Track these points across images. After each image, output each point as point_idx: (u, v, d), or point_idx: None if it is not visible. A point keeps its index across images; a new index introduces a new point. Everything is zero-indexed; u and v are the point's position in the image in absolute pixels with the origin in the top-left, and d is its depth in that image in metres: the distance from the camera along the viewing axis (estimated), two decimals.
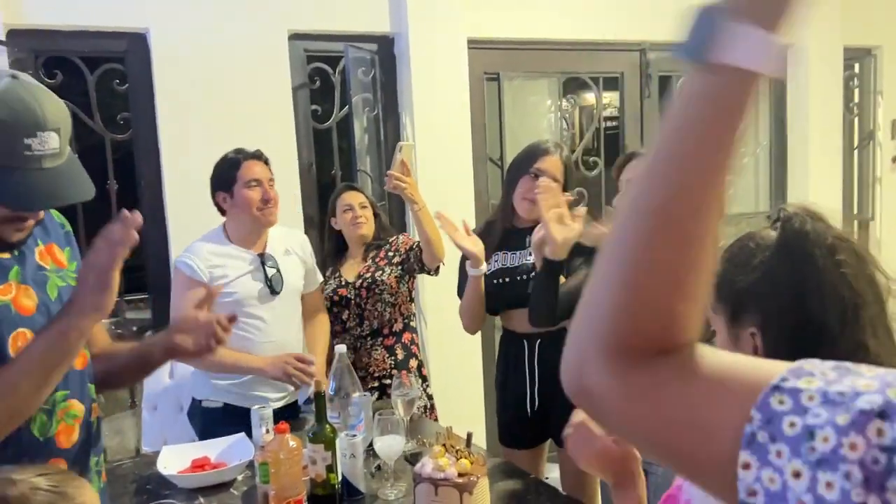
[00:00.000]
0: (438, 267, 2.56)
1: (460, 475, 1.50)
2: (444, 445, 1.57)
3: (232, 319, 1.52)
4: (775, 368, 0.49)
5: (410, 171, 2.39)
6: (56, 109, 1.23)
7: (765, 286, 0.95)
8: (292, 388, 2.34)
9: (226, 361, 2.26)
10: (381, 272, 2.59)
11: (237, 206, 2.32)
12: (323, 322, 2.57)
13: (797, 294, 0.93)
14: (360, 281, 2.59)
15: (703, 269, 0.52)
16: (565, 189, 2.30)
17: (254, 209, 2.30)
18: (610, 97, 3.93)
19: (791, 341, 0.93)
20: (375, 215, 2.71)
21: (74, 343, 1.26)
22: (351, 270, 2.66)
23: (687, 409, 0.50)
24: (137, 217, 1.25)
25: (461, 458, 1.54)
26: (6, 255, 1.31)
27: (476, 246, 2.21)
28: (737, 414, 0.47)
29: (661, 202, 0.50)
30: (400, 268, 2.60)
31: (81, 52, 2.84)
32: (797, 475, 0.44)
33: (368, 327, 2.60)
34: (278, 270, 2.37)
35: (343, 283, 2.63)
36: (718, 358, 0.52)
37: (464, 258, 2.42)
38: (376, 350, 2.59)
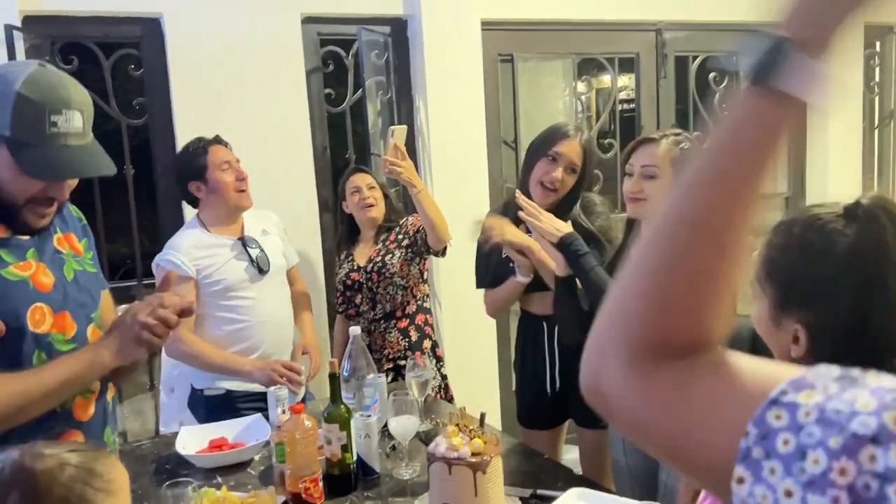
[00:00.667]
0: (445, 248, 2.57)
1: (474, 454, 1.51)
2: (457, 425, 1.57)
3: (186, 313, 1.44)
4: (780, 376, 0.48)
5: (405, 155, 2.39)
6: (80, 93, 1.31)
7: (826, 292, 0.88)
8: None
9: (215, 362, 2.30)
10: (390, 255, 2.60)
11: (213, 191, 2.35)
12: (304, 294, 2.65)
13: (860, 308, 0.86)
14: (371, 265, 2.61)
15: (733, 277, 0.52)
16: (583, 174, 2.29)
17: (231, 190, 2.34)
18: (626, 79, 3.89)
19: (840, 352, 0.85)
20: (385, 197, 2.71)
21: (96, 376, 1.38)
22: (362, 254, 2.67)
23: (691, 413, 0.50)
24: (192, 306, 1.43)
25: (475, 437, 1.54)
26: (25, 237, 1.37)
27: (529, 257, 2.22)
28: (736, 426, 0.47)
29: (698, 213, 0.51)
30: (409, 250, 2.61)
31: (97, 37, 2.85)
32: (789, 494, 0.43)
33: (381, 310, 2.61)
34: (262, 250, 2.40)
35: (355, 267, 2.64)
36: (731, 362, 0.51)
37: (485, 252, 2.41)
38: (390, 332, 2.61)
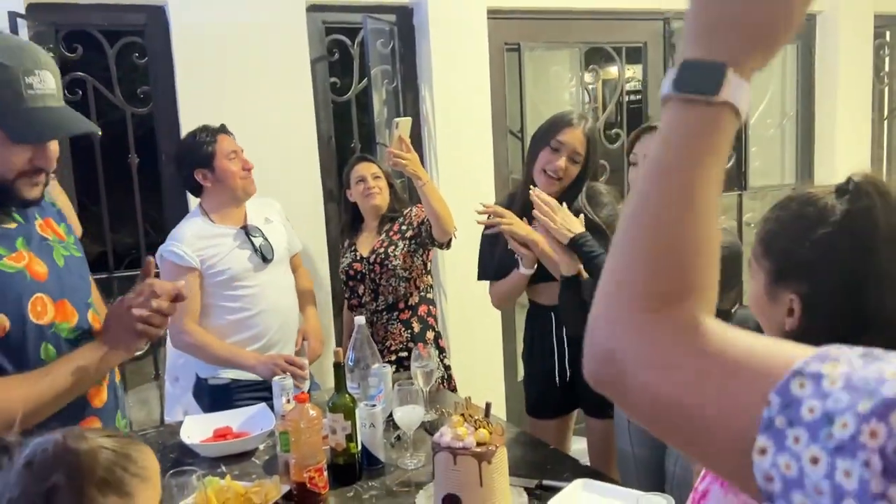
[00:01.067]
0: (450, 241, 2.56)
1: (479, 444, 1.50)
2: (462, 415, 1.56)
3: (179, 298, 1.41)
4: (799, 352, 0.48)
5: (410, 147, 2.37)
6: (46, 54, 1.29)
7: (820, 262, 0.91)
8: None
9: (220, 355, 2.31)
10: (393, 247, 2.58)
11: (220, 179, 2.36)
12: (308, 290, 2.63)
13: (854, 279, 0.89)
14: (374, 256, 2.59)
15: (712, 234, 0.56)
16: (587, 163, 2.27)
17: (237, 179, 2.35)
18: (633, 70, 3.85)
19: (834, 322, 0.90)
20: (390, 186, 2.69)
21: (105, 372, 1.39)
22: (365, 244, 2.66)
23: (706, 382, 0.50)
24: (184, 291, 1.39)
25: (480, 427, 1.53)
26: (11, 225, 1.33)
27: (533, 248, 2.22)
28: (756, 397, 0.46)
29: (674, 211, 0.57)
30: (413, 241, 2.59)
31: (101, 25, 2.84)
32: (815, 461, 0.43)
33: (384, 302, 2.60)
34: (265, 239, 2.40)
35: (358, 257, 2.63)
36: (742, 335, 0.52)
37: (489, 243, 2.41)
38: (392, 324, 2.60)
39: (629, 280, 0.56)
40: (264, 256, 2.37)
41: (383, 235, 2.64)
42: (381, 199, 2.64)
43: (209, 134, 2.36)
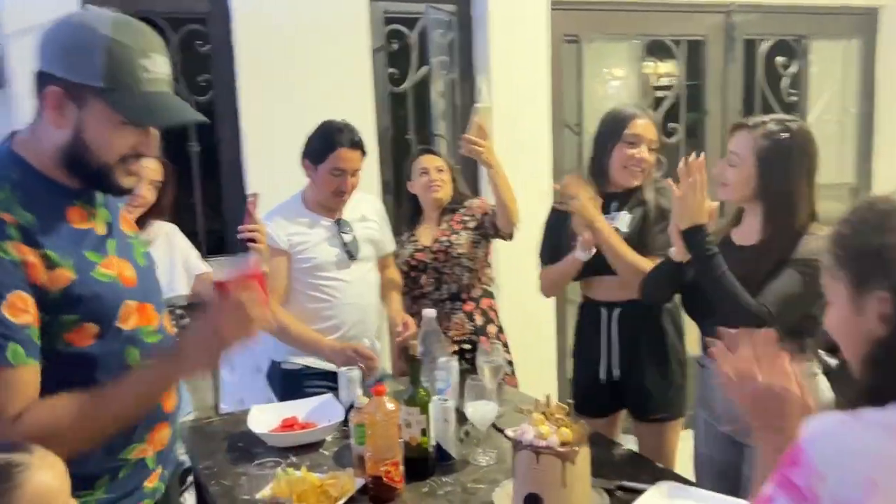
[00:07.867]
0: (513, 231, 2.53)
1: (562, 444, 1.47)
2: (543, 413, 1.53)
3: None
4: None
5: (487, 135, 2.34)
6: (158, 38, 1.25)
7: None
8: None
9: (299, 338, 2.30)
10: (456, 235, 2.57)
11: (316, 181, 2.33)
12: (395, 278, 2.59)
13: None
14: (437, 245, 2.59)
15: None
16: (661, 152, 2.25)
17: (328, 193, 2.32)
18: (670, 66, 3.78)
19: None
20: (453, 179, 2.68)
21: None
22: (426, 234, 2.65)
23: None
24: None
25: (562, 426, 1.50)
26: (101, 231, 1.30)
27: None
28: None
29: None
30: (475, 232, 2.58)
31: (164, 12, 2.84)
32: None
33: (447, 291, 2.59)
34: (355, 237, 2.38)
35: (420, 247, 2.62)
36: None
37: (552, 225, 2.37)
38: (455, 314, 2.58)
39: None
40: (350, 253, 2.36)
41: (444, 225, 2.63)
42: (444, 192, 2.63)
43: (334, 142, 2.28)
